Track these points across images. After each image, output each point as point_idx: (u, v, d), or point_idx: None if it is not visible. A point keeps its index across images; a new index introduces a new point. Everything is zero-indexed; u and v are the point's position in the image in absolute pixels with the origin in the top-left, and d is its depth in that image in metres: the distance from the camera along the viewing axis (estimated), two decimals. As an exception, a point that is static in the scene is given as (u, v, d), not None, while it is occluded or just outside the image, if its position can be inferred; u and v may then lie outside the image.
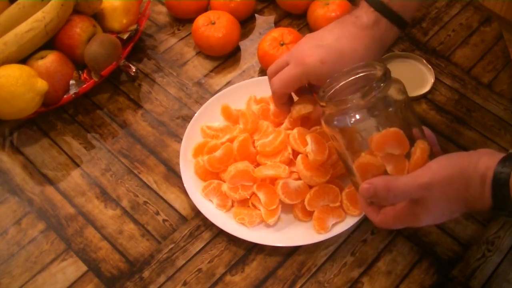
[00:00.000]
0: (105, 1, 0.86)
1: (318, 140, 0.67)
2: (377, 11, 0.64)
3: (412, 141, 0.55)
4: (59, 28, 0.81)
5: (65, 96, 0.80)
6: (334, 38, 0.64)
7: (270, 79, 0.68)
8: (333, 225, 0.68)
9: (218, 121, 0.78)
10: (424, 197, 0.52)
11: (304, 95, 0.70)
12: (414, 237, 0.69)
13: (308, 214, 0.69)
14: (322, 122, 0.59)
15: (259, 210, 0.69)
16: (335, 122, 0.56)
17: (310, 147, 0.67)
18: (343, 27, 0.65)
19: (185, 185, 0.71)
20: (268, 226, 0.70)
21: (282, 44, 0.83)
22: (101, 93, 0.85)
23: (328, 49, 0.63)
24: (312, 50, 0.64)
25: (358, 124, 0.55)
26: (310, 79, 0.65)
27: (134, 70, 0.85)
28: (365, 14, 0.64)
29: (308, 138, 0.67)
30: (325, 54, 0.63)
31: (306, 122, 0.72)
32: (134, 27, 0.87)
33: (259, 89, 0.80)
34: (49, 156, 0.78)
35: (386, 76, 0.54)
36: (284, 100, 0.69)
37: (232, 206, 0.71)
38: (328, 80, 0.60)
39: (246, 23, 0.94)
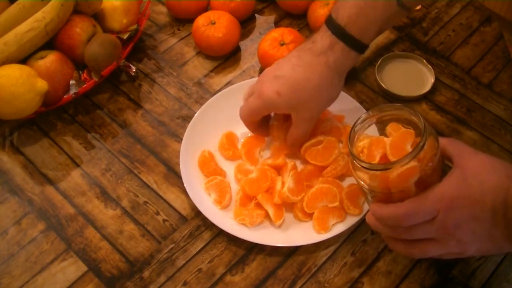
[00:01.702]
0: (105, 1, 0.86)
1: (298, 180, 0.68)
2: (334, 34, 0.63)
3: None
4: (59, 28, 0.81)
5: (65, 96, 0.80)
6: (290, 68, 0.65)
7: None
8: (333, 225, 0.68)
9: (219, 121, 0.78)
10: (449, 215, 0.50)
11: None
12: (414, 237, 0.69)
13: (308, 214, 0.69)
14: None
15: (262, 210, 0.69)
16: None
17: (287, 185, 0.68)
18: (300, 55, 0.66)
19: (185, 185, 0.71)
20: (268, 226, 0.70)
21: (282, 44, 0.83)
22: (101, 93, 0.85)
23: (283, 80, 0.65)
24: (269, 82, 0.66)
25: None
26: (270, 110, 0.68)
27: (134, 70, 0.85)
28: (321, 38, 0.64)
29: (289, 177, 0.68)
30: (280, 86, 0.65)
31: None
32: (134, 27, 0.87)
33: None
34: (49, 156, 0.78)
35: (426, 130, 0.52)
36: (255, 126, 0.72)
37: (228, 204, 0.71)
38: (352, 132, 0.58)
39: (246, 23, 0.94)
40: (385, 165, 0.53)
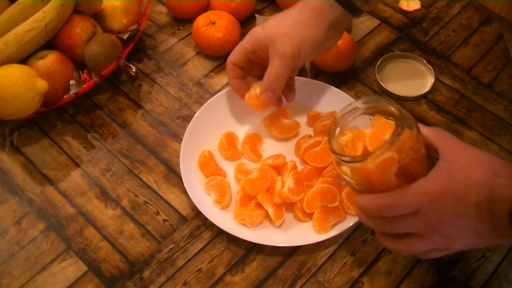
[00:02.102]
0: (105, 1, 0.86)
1: (298, 180, 0.68)
2: None
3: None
4: (59, 28, 0.81)
5: (65, 96, 0.80)
6: (282, 13, 0.71)
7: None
8: (333, 225, 0.68)
9: (219, 121, 0.78)
10: (433, 209, 0.50)
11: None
12: (414, 237, 0.69)
13: (308, 214, 0.69)
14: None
15: (262, 210, 0.69)
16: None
17: (287, 185, 0.68)
18: (296, 5, 0.71)
19: (185, 185, 0.71)
20: (268, 226, 0.70)
21: (282, 44, 0.82)
22: (101, 93, 0.85)
23: (271, 20, 0.71)
24: (261, 25, 0.72)
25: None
26: (254, 46, 0.71)
27: (134, 70, 0.85)
28: None
29: (289, 177, 0.68)
30: (266, 24, 0.70)
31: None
32: (134, 27, 0.87)
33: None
34: (49, 156, 0.78)
35: (403, 119, 0.52)
36: (235, 74, 0.74)
37: (228, 204, 0.71)
38: (333, 126, 0.57)
39: (246, 23, 0.94)
40: (359, 156, 0.52)
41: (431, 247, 0.53)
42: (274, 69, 0.69)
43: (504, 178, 0.49)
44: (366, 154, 0.52)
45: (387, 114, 0.55)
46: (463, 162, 0.51)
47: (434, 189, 0.50)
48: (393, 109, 0.53)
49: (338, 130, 0.57)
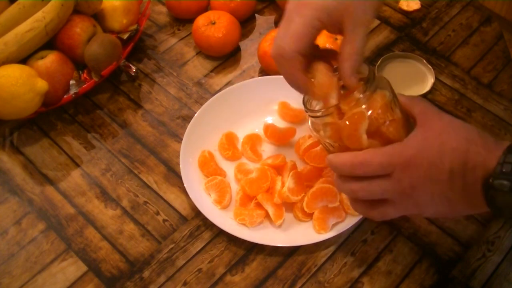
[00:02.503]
0: (105, 1, 0.86)
1: (298, 180, 0.68)
2: None
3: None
4: (59, 28, 0.81)
5: (65, 96, 0.80)
6: None
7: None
8: (333, 225, 0.68)
9: (219, 121, 0.78)
10: (406, 173, 0.50)
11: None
12: (414, 237, 0.69)
13: (308, 214, 0.69)
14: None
15: (262, 210, 0.69)
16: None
17: (287, 185, 0.68)
18: None
19: (185, 185, 0.71)
20: (268, 226, 0.70)
21: (282, 44, 0.82)
22: (101, 93, 0.85)
23: None
24: None
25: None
26: (323, 20, 0.53)
27: (134, 70, 0.85)
28: None
29: (289, 177, 0.68)
30: None
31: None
32: (134, 27, 0.87)
33: (259, 89, 0.80)
34: (49, 156, 0.78)
35: (374, 79, 0.53)
36: (301, 66, 0.54)
37: (228, 204, 0.71)
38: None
39: (246, 23, 0.94)
40: (329, 109, 0.53)
41: (403, 213, 0.54)
42: (359, 42, 0.54)
43: (479, 146, 0.49)
44: (334, 106, 0.52)
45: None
46: (439, 129, 0.51)
47: (408, 152, 0.50)
48: (363, 70, 0.54)
49: None
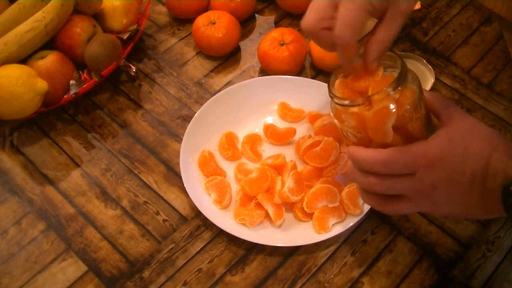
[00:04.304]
0: (105, 1, 0.86)
1: (298, 180, 0.68)
2: None
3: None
4: (59, 28, 0.81)
5: (65, 96, 0.80)
6: None
7: (314, 32, 0.55)
8: (333, 225, 0.68)
9: (219, 121, 0.78)
10: (428, 173, 0.50)
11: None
12: (414, 237, 0.69)
13: (308, 214, 0.69)
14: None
15: (262, 210, 0.69)
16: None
17: (287, 185, 0.68)
18: None
19: (185, 185, 0.71)
20: (268, 226, 0.70)
21: (282, 44, 0.83)
22: (101, 93, 0.85)
23: None
24: None
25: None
26: (376, 5, 0.52)
27: (134, 70, 0.85)
28: None
29: (289, 177, 0.68)
30: None
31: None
32: (134, 27, 0.87)
33: (259, 89, 0.80)
34: (49, 156, 0.78)
35: (407, 74, 0.51)
36: (356, 51, 0.54)
37: (228, 204, 0.71)
38: (333, 75, 0.56)
39: (246, 23, 0.94)
40: (358, 99, 0.52)
41: (418, 211, 0.54)
42: (394, 29, 0.54)
43: (502, 152, 0.49)
44: (364, 98, 0.51)
45: (393, 68, 0.54)
46: (463, 132, 0.51)
47: (433, 153, 0.50)
48: (396, 62, 0.53)
49: (338, 78, 0.56)
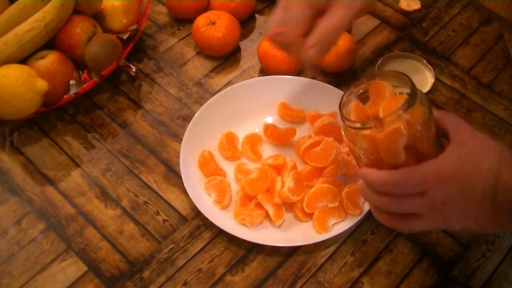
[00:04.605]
0: (105, 1, 0.86)
1: (298, 180, 0.68)
2: None
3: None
4: (59, 28, 0.81)
5: (65, 96, 0.80)
6: None
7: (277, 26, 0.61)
8: (333, 225, 0.68)
9: (219, 121, 0.78)
10: (440, 191, 0.50)
11: None
12: (414, 237, 0.69)
13: (308, 214, 0.69)
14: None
15: (262, 210, 0.69)
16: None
17: (287, 185, 0.68)
18: None
19: (185, 185, 0.71)
20: (268, 226, 0.70)
21: (282, 44, 0.83)
22: (101, 93, 0.85)
23: None
24: None
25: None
26: (313, 4, 0.59)
27: (134, 70, 0.85)
28: None
29: (289, 177, 0.68)
30: None
31: None
32: (134, 27, 0.87)
33: (259, 89, 0.80)
34: (49, 156, 0.78)
35: (416, 94, 0.52)
36: (300, 43, 0.60)
37: (228, 204, 0.71)
38: (345, 97, 0.57)
39: (246, 23, 0.94)
40: (369, 122, 0.52)
41: (431, 227, 0.54)
42: (338, 18, 0.59)
43: (511, 167, 0.49)
44: (376, 120, 0.52)
45: (401, 88, 0.55)
46: (473, 148, 0.51)
47: (444, 171, 0.50)
48: (406, 83, 0.53)
49: (350, 100, 0.57)
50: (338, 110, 0.56)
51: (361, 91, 0.57)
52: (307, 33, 0.60)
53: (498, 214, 0.50)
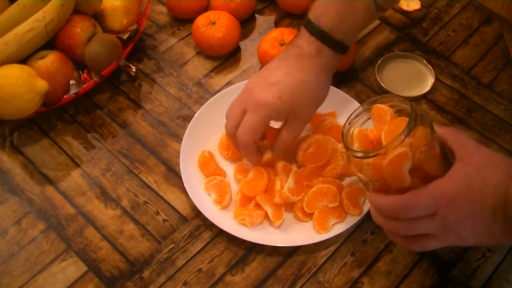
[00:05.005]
0: (105, 1, 0.86)
1: (298, 180, 0.69)
2: (319, 40, 0.65)
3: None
4: (59, 28, 0.81)
5: (65, 96, 0.80)
6: (284, 73, 0.65)
7: (232, 135, 0.68)
8: (333, 225, 0.68)
9: (219, 121, 0.78)
10: (450, 211, 0.50)
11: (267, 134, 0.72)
12: (414, 237, 0.69)
13: (308, 214, 0.69)
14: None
15: (262, 210, 0.69)
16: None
17: (288, 185, 0.68)
18: (289, 62, 0.66)
19: (185, 185, 0.71)
20: (268, 226, 0.70)
21: (282, 44, 0.83)
22: (101, 93, 0.85)
23: (280, 85, 0.65)
24: (265, 90, 0.65)
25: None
26: (273, 118, 0.66)
27: (134, 70, 0.85)
28: (307, 44, 0.65)
29: (290, 177, 0.68)
30: (279, 91, 0.64)
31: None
32: (134, 27, 0.87)
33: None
34: (49, 156, 0.78)
35: (416, 116, 0.52)
36: (255, 149, 0.68)
37: (228, 204, 0.71)
38: (347, 125, 0.58)
39: (246, 23, 0.94)
40: (371, 151, 0.52)
41: (445, 245, 0.54)
42: (296, 133, 0.69)
43: None
44: (378, 149, 0.52)
45: (402, 114, 0.55)
46: (480, 165, 0.51)
47: (451, 191, 0.50)
48: (405, 106, 0.54)
49: (352, 128, 0.58)
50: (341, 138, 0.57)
51: (364, 117, 0.58)
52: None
53: (511, 228, 0.50)
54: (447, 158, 0.54)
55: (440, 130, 0.54)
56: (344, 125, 0.57)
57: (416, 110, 0.52)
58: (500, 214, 0.49)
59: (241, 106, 0.67)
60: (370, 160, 0.53)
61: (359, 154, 0.54)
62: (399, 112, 0.56)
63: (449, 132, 0.54)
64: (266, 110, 0.64)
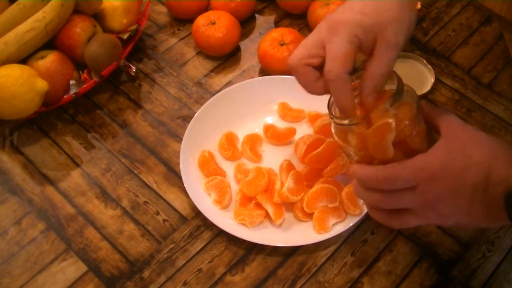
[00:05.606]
0: (105, 1, 0.86)
1: (298, 180, 0.69)
2: None
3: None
4: (59, 28, 0.81)
5: (65, 96, 0.80)
6: None
7: (297, 67, 0.56)
8: (333, 225, 0.68)
9: (219, 121, 0.78)
10: (430, 186, 0.50)
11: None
12: (414, 237, 0.69)
13: (308, 214, 0.69)
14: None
15: (262, 210, 0.69)
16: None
17: (287, 185, 0.68)
18: None
19: (185, 185, 0.71)
20: (268, 226, 0.70)
21: (282, 44, 0.83)
22: (101, 93, 0.85)
23: (361, 4, 0.55)
24: (347, 11, 0.55)
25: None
26: (360, 36, 0.53)
27: (134, 70, 0.85)
28: None
29: (289, 177, 0.68)
30: (362, 7, 0.54)
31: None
32: (134, 27, 0.87)
33: (259, 89, 0.80)
34: (49, 156, 0.78)
35: (403, 90, 0.52)
36: (349, 85, 0.54)
37: (228, 204, 0.71)
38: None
39: (246, 23, 0.94)
40: (356, 118, 0.53)
41: (424, 223, 0.54)
42: (386, 61, 0.54)
43: (502, 161, 0.49)
44: (363, 116, 0.52)
45: (390, 85, 0.55)
46: (463, 142, 0.51)
47: (433, 166, 0.50)
48: (393, 79, 0.54)
49: None
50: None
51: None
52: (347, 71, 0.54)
53: (490, 209, 0.49)
54: (432, 136, 0.54)
55: (427, 108, 0.54)
56: (331, 96, 0.56)
57: (402, 84, 0.52)
58: (479, 193, 0.49)
59: (317, 35, 0.55)
60: (355, 128, 0.53)
61: (344, 122, 0.53)
62: (388, 86, 0.56)
63: (436, 110, 0.54)
64: (350, 27, 0.53)
